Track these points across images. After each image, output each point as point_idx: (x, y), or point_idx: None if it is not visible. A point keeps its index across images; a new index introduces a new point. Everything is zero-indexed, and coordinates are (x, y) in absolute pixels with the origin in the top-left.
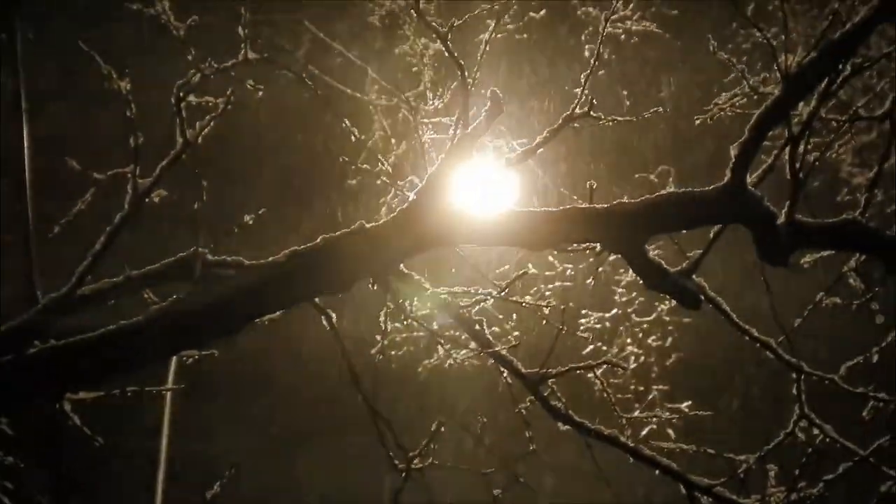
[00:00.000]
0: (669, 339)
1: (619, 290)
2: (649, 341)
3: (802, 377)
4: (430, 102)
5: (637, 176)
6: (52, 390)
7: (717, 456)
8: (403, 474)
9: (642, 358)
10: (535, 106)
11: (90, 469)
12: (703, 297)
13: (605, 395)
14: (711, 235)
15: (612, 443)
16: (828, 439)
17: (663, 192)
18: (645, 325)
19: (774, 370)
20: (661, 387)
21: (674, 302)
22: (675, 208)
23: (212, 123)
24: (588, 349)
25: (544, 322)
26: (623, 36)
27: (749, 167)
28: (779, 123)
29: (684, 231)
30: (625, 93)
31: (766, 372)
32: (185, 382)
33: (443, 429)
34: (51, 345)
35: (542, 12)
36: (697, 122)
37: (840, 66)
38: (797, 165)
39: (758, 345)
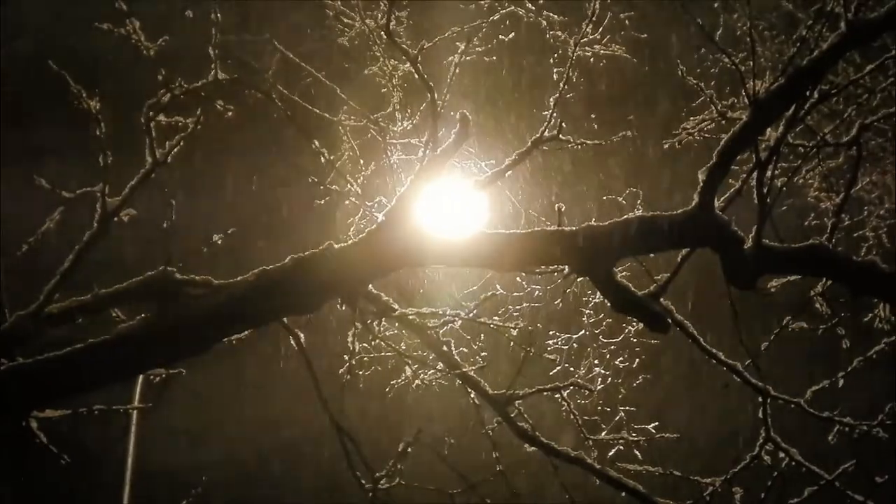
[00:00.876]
0: (637, 361)
1: (587, 311)
2: (616, 363)
3: (768, 400)
4: (400, 123)
5: (605, 198)
6: (18, 408)
7: (684, 478)
8: (370, 494)
9: (609, 379)
10: (504, 128)
11: (61, 481)
12: (670, 321)
13: (572, 416)
14: (679, 259)
15: (578, 464)
16: (793, 462)
17: (631, 215)
18: (612, 347)
19: (741, 392)
20: (627, 408)
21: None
22: (642, 232)
23: (181, 143)
24: (555, 370)
25: (511, 343)
26: (592, 59)
27: (716, 191)
28: (746, 148)
29: (651, 254)
30: (593, 116)
31: (733, 393)
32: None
33: (409, 449)
34: (17, 363)
35: (511, 35)
36: (666, 145)
37: (807, 93)
38: (764, 190)
39: (725, 368)
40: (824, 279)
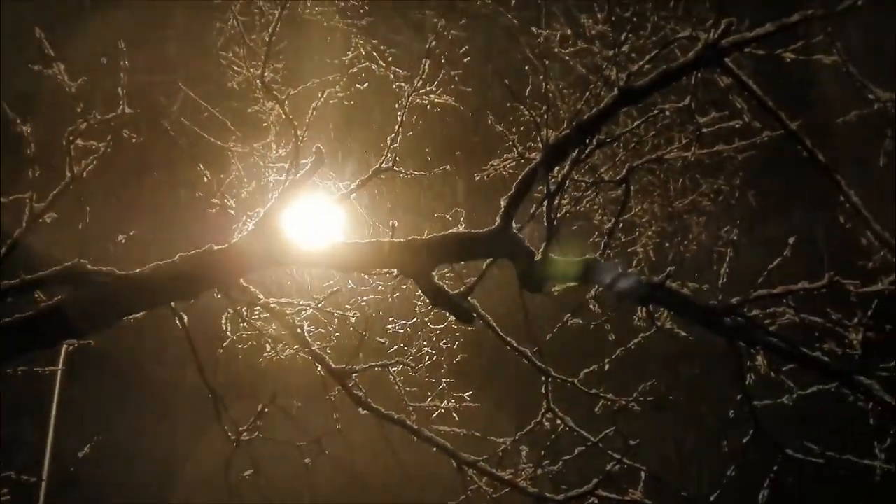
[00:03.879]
0: (457, 343)
1: (419, 303)
2: (441, 344)
3: (549, 379)
4: (276, 151)
5: (436, 216)
6: None
7: (483, 438)
8: (234, 444)
9: (435, 357)
10: (361, 156)
11: None
12: (475, 315)
13: (398, 387)
14: (484, 266)
15: (400, 425)
16: (567, 428)
17: (448, 231)
18: (438, 332)
19: (530, 373)
20: (448, 380)
21: None
22: (455, 244)
23: (94, 162)
24: (393, 349)
25: (352, 328)
26: (428, 106)
27: (514, 214)
28: (539, 182)
29: (462, 262)
30: (427, 150)
31: (523, 374)
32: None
33: (266, 410)
34: None
35: (366, 85)
36: (477, 177)
37: (588, 140)
38: (553, 215)
39: (517, 353)
40: (596, 286)
